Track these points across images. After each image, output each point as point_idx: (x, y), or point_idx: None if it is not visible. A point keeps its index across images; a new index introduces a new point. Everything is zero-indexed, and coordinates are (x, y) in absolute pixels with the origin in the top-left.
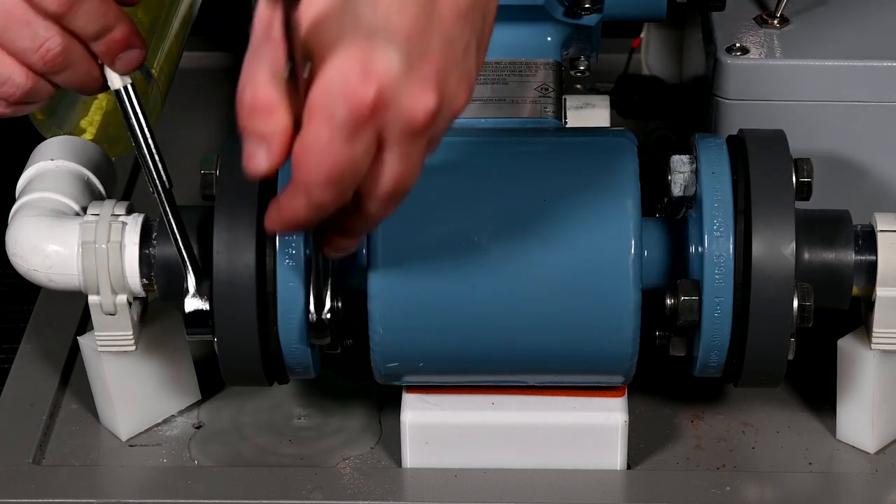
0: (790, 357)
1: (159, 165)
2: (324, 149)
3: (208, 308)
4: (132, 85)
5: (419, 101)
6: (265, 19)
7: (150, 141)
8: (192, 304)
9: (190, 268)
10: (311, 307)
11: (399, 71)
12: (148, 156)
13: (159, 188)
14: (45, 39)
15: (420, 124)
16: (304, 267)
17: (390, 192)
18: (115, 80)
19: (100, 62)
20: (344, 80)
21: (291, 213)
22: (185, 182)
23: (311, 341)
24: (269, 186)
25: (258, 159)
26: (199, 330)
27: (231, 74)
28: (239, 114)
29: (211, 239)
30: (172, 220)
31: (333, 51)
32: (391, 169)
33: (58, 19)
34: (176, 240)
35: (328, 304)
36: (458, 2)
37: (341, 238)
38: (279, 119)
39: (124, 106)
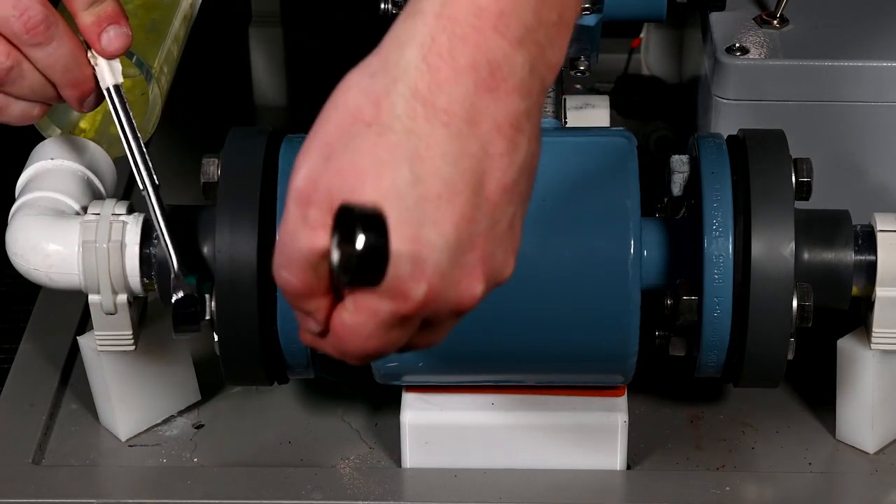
0: (790, 357)
1: (149, 163)
2: (365, 337)
3: (197, 308)
4: (118, 86)
5: (466, 290)
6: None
7: (138, 139)
8: (181, 302)
9: (177, 266)
10: None
11: (448, 265)
12: (138, 154)
13: (147, 186)
14: (27, 7)
15: (466, 309)
16: None
17: (418, 349)
18: (107, 77)
19: (89, 58)
20: (392, 277)
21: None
22: (184, 182)
23: None
24: (269, 186)
25: (309, 326)
26: (188, 328)
27: (231, 74)
28: (278, 283)
29: (213, 238)
30: (161, 218)
31: None
32: (426, 338)
33: None
34: (164, 238)
35: None
36: (503, 178)
37: None
38: (319, 301)
39: (114, 104)
